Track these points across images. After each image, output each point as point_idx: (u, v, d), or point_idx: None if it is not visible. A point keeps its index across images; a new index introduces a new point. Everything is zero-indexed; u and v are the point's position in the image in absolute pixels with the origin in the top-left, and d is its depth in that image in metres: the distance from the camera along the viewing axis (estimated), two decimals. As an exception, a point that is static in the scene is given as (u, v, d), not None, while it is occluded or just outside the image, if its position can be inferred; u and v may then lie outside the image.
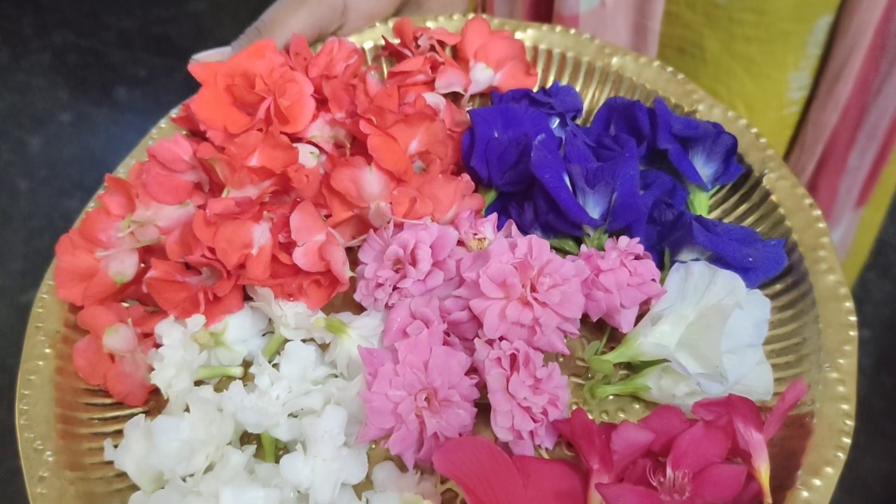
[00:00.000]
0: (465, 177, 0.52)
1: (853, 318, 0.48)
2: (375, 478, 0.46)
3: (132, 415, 0.47)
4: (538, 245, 0.47)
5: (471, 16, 0.60)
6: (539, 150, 0.51)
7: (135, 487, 0.46)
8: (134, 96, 1.93)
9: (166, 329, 0.49)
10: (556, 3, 0.69)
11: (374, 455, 0.47)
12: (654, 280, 0.49)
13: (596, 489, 0.43)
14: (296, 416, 0.47)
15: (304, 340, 0.50)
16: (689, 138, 0.53)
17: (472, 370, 0.47)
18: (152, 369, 0.48)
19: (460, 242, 0.51)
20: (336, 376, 0.49)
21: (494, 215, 0.52)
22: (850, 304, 0.48)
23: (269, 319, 0.51)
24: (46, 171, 1.85)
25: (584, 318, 0.50)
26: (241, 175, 0.49)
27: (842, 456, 0.44)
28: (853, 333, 0.48)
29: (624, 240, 0.50)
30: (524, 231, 0.52)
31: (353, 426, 0.46)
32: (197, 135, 0.54)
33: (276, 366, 0.48)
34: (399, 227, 0.50)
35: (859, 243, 1.06)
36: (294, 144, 0.51)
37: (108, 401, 0.50)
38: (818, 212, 0.51)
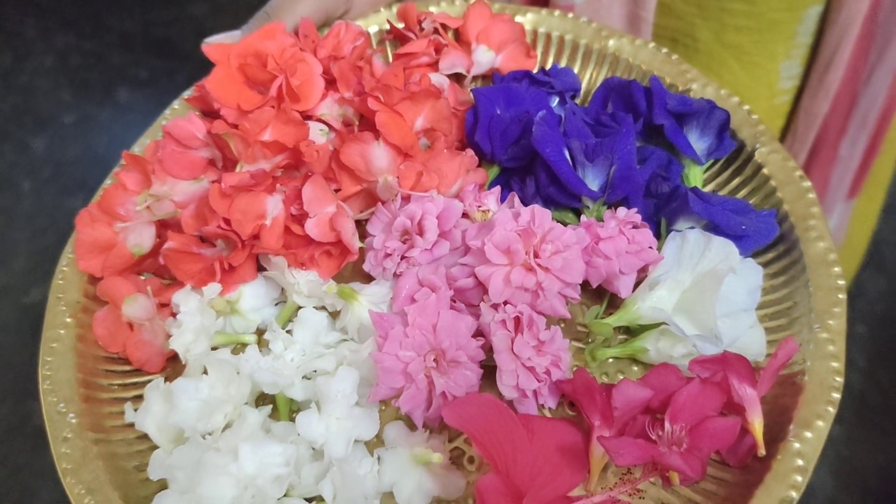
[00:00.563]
0: (469, 152, 0.54)
1: (842, 282, 0.50)
2: (386, 436, 0.48)
3: (150, 381, 0.49)
4: (541, 214, 0.49)
5: (472, 0, 0.62)
6: (540, 125, 0.53)
7: (154, 449, 0.48)
8: (136, 97, 1.96)
9: (183, 297, 0.51)
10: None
11: (385, 416, 0.49)
12: (651, 247, 0.51)
13: (598, 441, 0.45)
14: (309, 379, 0.49)
15: (315, 308, 0.51)
16: (684, 114, 0.55)
17: (478, 334, 0.49)
18: (169, 337, 0.50)
19: (465, 215, 0.53)
20: (347, 341, 0.50)
21: (497, 188, 0.54)
22: (838, 269, 0.50)
23: (282, 289, 0.53)
24: (50, 171, 1.87)
25: (585, 286, 0.52)
26: (255, 149, 0.51)
27: (832, 410, 0.46)
28: (842, 296, 0.50)
29: (622, 210, 0.52)
30: (526, 204, 0.54)
31: (365, 388, 0.48)
32: (209, 115, 0.56)
33: (289, 332, 0.50)
34: (406, 200, 0.52)
35: (855, 236, 1.07)
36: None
37: (127, 368, 0.52)
38: (808, 183, 0.54)
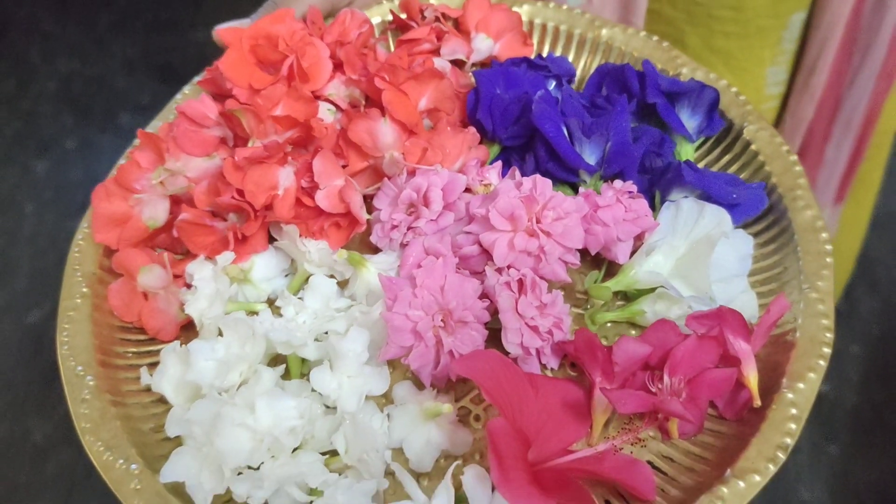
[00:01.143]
0: (472, 129, 0.57)
1: (829, 247, 0.52)
2: (395, 395, 0.49)
3: (165, 348, 0.51)
4: (542, 182, 0.51)
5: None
6: (539, 103, 0.55)
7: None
8: (137, 122, 1.98)
9: (197, 266, 0.53)
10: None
11: (393, 379, 0.51)
12: (647, 215, 0.53)
13: (600, 392, 0.47)
14: (321, 341, 0.50)
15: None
16: (675, 93, 0.58)
17: (483, 298, 0.51)
18: (183, 306, 0.52)
19: (468, 190, 0.55)
20: (357, 305, 0.52)
21: (499, 163, 0.56)
22: (825, 235, 0.53)
23: (292, 261, 0.55)
24: (52, 194, 1.89)
25: (584, 255, 0.54)
26: (267, 125, 0.53)
27: (823, 363, 0.48)
28: (829, 260, 0.52)
29: (619, 182, 0.54)
30: (526, 180, 0.57)
31: (374, 351, 0.50)
32: (220, 98, 0.59)
33: (300, 300, 0.52)
34: (411, 174, 0.55)
35: (844, 242, 1.09)
36: (313, 101, 0.55)
37: (141, 336, 0.54)
38: (795, 157, 0.56)
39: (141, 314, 0.53)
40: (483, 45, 0.62)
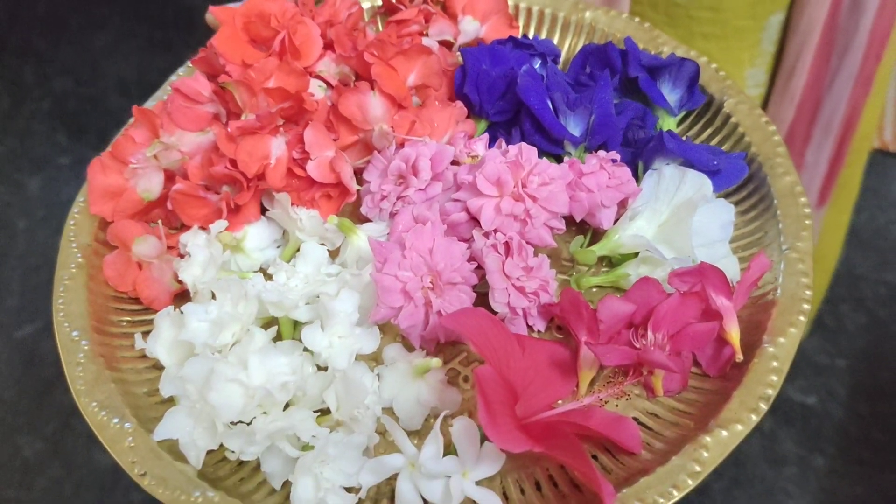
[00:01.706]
0: (459, 104, 0.58)
1: (808, 210, 0.54)
2: (386, 356, 0.50)
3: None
4: (527, 150, 0.53)
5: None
6: (524, 77, 0.57)
7: (164, 376, 0.50)
8: (131, 141, 2.00)
9: (191, 235, 0.54)
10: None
11: (383, 341, 0.52)
12: (630, 181, 0.54)
13: (586, 347, 0.48)
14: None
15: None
16: (656, 67, 0.59)
17: (471, 262, 0.52)
18: (177, 276, 0.53)
19: (455, 162, 0.57)
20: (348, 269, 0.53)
21: (486, 135, 0.58)
22: (804, 199, 0.54)
23: (284, 233, 0.56)
24: (44, 212, 1.90)
25: (569, 223, 0.55)
26: (259, 98, 0.54)
27: (803, 319, 0.49)
28: (808, 222, 0.53)
29: (603, 151, 0.56)
30: (512, 153, 0.58)
31: (365, 315, 0.51)
32: (214, 77, 0.60)
33: (292, 266, 0.53)
34: (400, 147, 0.56)
35: (826, 247, 1.11)
36: (304, 77, 0.57)
37: (135, 307, 0.55)
38: (773, 127, 0.58)
39: (135, 284, 0.54)
40: (470, 28, 0.64)
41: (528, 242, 0.51)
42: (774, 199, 0.55)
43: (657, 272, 0.53)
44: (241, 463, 0.47)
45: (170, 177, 0.56)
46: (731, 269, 0.53)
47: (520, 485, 0.46)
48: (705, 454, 0.44)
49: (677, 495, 0.43)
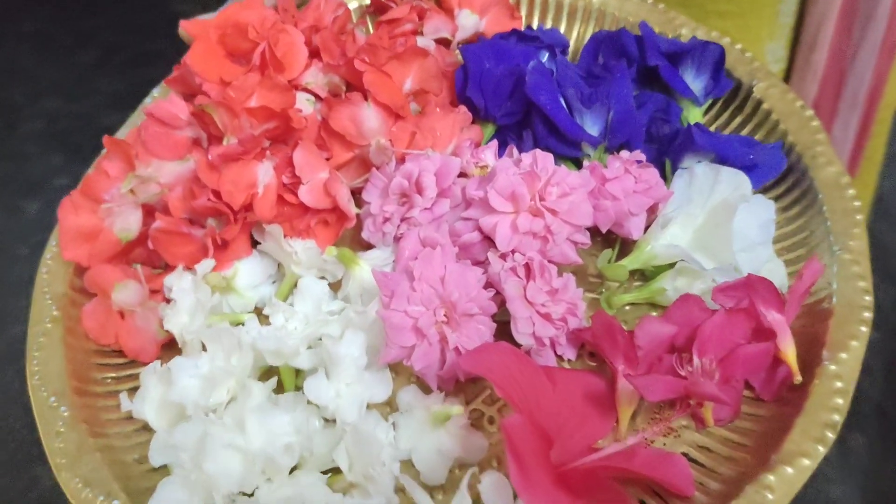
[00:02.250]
0: (463, 108, 0.53)
1: (858, 204, 0.48)
2: (400, 401, 0.45)
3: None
4: (543, 157, 0.47)
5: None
6: (533, 74, 0.51)
7: (155, 439, 0.45)
8: (128, 157, 1.96)
9: (176, 277, 0.48)
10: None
11: (396, 384, 0.46)
12: (659, 185, 0.49)
13: (624, 380, 0.42)
14: (314, 348, 0.46)
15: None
16: (677, 53, 0.54)
17: (489, 287, 0.47)
18: (162, 323, 0.48)
19: (463, 174, 0.51)
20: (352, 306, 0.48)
21: (495, 142, 0.52)
22: (852, 192, 0.49)
23: (279, 266, 0.51)
24: (44, 236, 1.86)
25: (595, 234, 0.50)
26: (241, 119, 0.49)
27: (865, 329, 0.44)
28: (859, 217, 0.48)
29: (625, 152, 0.50)
30: (524, 159, 0.53)
31: (374, 355, 0.46)
32: (190, 97, 0.55)
33: (290, 306, 0.48)
34: (401, 162, 0.51)
35: None
36: (289, 92, 0.51)
37: (120, 360, 0.50)
38: (810, 112, 0.52)
39: (118, 335, 0.49)
40: (468, 22, 0.58)
41: (550, 261, 0.46)
42: (819, 194, 0.49)
43: (696, 284, 0.47)
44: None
45: (149, 212, 0.51)
46: (778, 274, 0.48)
47: (561, 542, 0.41)
48: (770, 496, 0.39)
49: (744, 548, 0.38)
